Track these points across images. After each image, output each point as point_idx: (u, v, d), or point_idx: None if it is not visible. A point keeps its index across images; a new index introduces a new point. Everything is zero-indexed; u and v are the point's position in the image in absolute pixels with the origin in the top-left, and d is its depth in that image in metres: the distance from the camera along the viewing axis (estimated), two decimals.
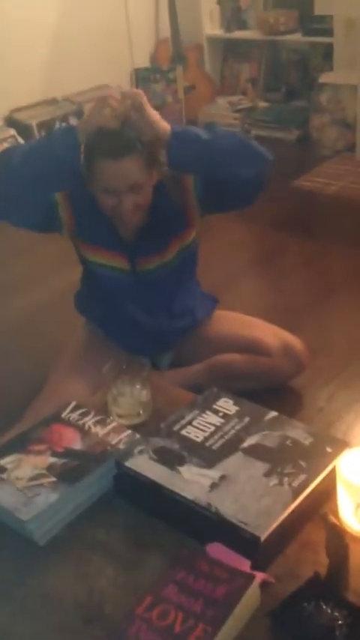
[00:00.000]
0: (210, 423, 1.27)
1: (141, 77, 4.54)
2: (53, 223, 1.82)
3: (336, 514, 1.08)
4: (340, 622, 0.92)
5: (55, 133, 1.77)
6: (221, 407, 1.31)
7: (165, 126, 1.62)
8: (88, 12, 4.17)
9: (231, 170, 1.66)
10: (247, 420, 1.27)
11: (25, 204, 1.69)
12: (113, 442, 1.25)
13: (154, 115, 1.62)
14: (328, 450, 1.18)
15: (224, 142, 1.67)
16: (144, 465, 1.17)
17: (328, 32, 4.02)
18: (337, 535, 1.01)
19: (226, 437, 1.23)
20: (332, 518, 1.03)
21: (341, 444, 1.19)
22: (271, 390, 1.96)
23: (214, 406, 1.31)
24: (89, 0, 4.17)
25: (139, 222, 1.80)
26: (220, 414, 1.29)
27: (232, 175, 1.67)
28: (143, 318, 1.93)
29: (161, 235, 1.84)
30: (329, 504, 1.11)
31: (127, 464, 1.17)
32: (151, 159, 1.69)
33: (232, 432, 1.24)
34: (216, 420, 1.28)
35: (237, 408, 1.31)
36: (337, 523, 1.04)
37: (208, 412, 1.30)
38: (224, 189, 1.72)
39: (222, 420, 1.27)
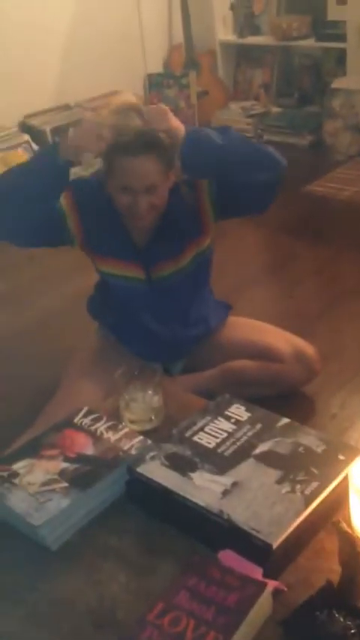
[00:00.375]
0: (222, 430, 1.26)
1: (154, 83, 4.55)
2: (63, 236, 1.82)
3: (348, 522, 1.08)
4: (352, 631, 0.91)
5: (38, 155, 1.80)
6: (233, 413, 1.31)
7: (179, 126, 1.62)
8: (101, 18, 4.18)
9: (244, 175, 1.66)
10: (259, 426, 1.27)
11: (29, 222, 1.71)
12: (125, 448, 1.25)
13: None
14: (341, 457, 1.17)
15: (238, 147, 1.67)
16: (156, 470, 1.17)
17: (341, 37, 4.02)
18: (349, 543, 1.00)
19: (238, 443, 1.22)
20: (345, 526, 1.02)
21: (354, 451, 1.18)
22: (283, 396, 1.96)
23: (226, 412, 1.31)
24: (102, 6, 4.19)
25: (152, 224, 1.80)
26: (232, 420, 1.29)
27: (246, 181, 1.67)
28: (157, 327, 1.93)
29: (175, 240, 1.84)
30: (342, 512, 1.10)
31: (139, 470, 1.17)
32: (169, 161, 1.69)
33: (244, 438, 1.24)
34: (228, 426, 1.27)
35: (249, 414, 1.31)
36: (350, 531, 1.04)
37: (220, 418, 1.29)
38: (238, 194, 1.72)
39: (234, 427, 1.27)
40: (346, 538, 1.01)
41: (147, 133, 1.62)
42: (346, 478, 1.11)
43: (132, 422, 1.37)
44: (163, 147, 1.65)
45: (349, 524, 1.07)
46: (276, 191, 1.74)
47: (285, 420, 1.29)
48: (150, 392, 1.38)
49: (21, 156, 3.78)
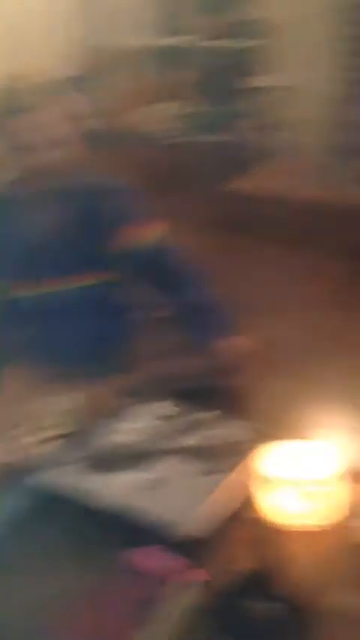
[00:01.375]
0: (147, 426, 1.25)
1: (74, 86, 4.50)
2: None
3: (265, 509, 1.07)
4: (276, 616, 0.91)
5: None
6: (159, 409, 1.30)
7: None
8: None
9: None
10: (184, 420, 1.27)
11: None
12: (39, 453, 1.21)
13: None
14: (262, 445, 1.17)
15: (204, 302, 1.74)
16: (72, 475, 1.14)
17: (258, 36, 4.08)
18: (267, 530, 1.00)
19: (161, 438, 1.22)
20: (261, 514, 1.03)
21: (273, 440, 1.18)
22: (213, 388, 1.95)
23: (153, 408, 1.30)
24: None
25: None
26: (158, 415, 1.28)
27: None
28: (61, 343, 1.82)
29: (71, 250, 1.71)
30: (260, 500, 1.10)
31: (55, 475, 1.14)
32: None
33: (168, 433, 1.23)
34: (152, 422, 1.27)
35: (175, 409, 1.30)
36: (266, 518, 1.04)
37: (144, 415, 1.28)
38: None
39: (158, 422, 1.26)
40: (264, 525, 1.01)
41: None
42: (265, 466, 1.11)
43: (47, 427, 1.33)
44: None
45: (265, 512, 1.07)
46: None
47: (212, 413, 1.29)
48: (66, 395, 1.35)
49: None
